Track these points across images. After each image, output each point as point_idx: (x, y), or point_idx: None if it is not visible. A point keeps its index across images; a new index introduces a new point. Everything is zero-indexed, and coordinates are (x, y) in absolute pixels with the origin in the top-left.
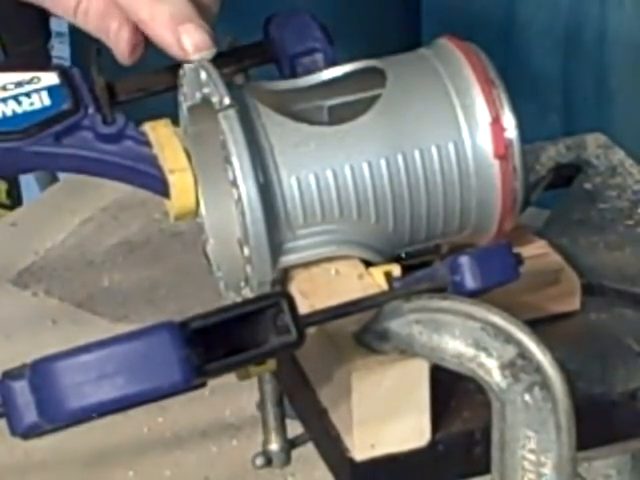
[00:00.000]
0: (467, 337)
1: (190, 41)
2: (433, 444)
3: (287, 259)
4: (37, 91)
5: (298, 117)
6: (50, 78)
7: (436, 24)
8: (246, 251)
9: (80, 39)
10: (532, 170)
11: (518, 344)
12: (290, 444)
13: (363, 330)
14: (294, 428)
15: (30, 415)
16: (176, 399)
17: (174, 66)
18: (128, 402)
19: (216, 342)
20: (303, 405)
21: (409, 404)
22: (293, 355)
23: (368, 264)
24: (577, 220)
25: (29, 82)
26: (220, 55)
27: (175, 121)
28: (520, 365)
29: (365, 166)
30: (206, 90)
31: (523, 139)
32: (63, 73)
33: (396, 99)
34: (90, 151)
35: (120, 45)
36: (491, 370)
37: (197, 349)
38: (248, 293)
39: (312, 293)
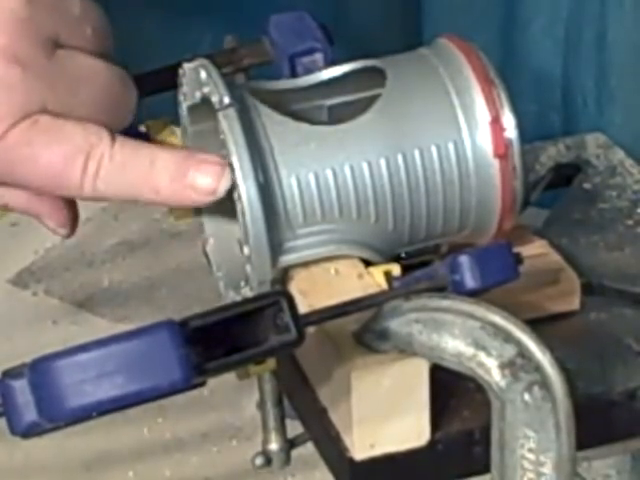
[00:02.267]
0: (467, 336)
1: (203, 186)
2: (432, 444)
3: (287, 258)
4: None
5: (298, 117)
6: None
7: (436, 24)
8: (246, 251)
9: None
10: (532, 170)
11: (518, 343)
12: (290, 444)
13: (363, 329)
14: (294, 428)
15: (30, 414)
16: (176, 399)
17: (174, 66)
18: (128, 401)
19: (216, 341)
20: (303, 405)
21: (408, 404)
22: (293, 354)
23: (368, 264)
24: (577, 220)
25: None
26: (220, 55)
27: (175, 121)
28: (520, 364)
29: (365, 166)
30: (206, 89)
31: (523, 139)
32: None
33: (396, 99)
34: None
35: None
36: (490, 369)
37: (197, 348)
38: (248, 292)
39: (312, 292)
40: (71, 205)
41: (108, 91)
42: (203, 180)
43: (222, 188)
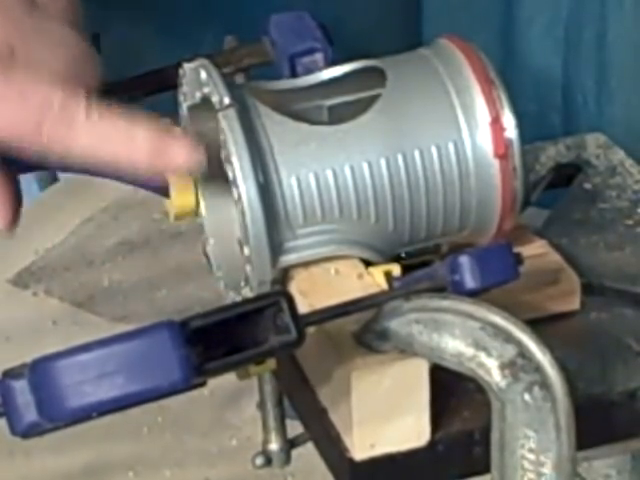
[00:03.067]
0: (467, 337)
1: (179, 164)
2: (433, 444)
3: (287, 259)
4: None
5: (298, 117)
6: None
7: (436, 24)
8: (246, 251)
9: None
10: (532, 170)
11: (518, 344)
12: (290, 444)
13: (363, 330)
14: (294, 428)
15: (30, 414)
16: (176, 399)
17: (174, 66)
18: (128, 401)
19: (216, 341)
20: (303, 405)
21: (409, 404)
22: (293, 355)
23: (368, 264)
24: (577, 220)
25: None
26: (220, 55)
27: (175, 121)
28: (520, 365)
29: (365, 166)
30: (206, 90)
31: (523, 139)
32: None
33: (396, 99)
34: None
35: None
36: (491, 370)
37: (197, 348)
38: (248, 293)
39: (312, 293)
40: (16, 201)
41: (77, 53)
42: (180, 158)
43: (195, 167)
